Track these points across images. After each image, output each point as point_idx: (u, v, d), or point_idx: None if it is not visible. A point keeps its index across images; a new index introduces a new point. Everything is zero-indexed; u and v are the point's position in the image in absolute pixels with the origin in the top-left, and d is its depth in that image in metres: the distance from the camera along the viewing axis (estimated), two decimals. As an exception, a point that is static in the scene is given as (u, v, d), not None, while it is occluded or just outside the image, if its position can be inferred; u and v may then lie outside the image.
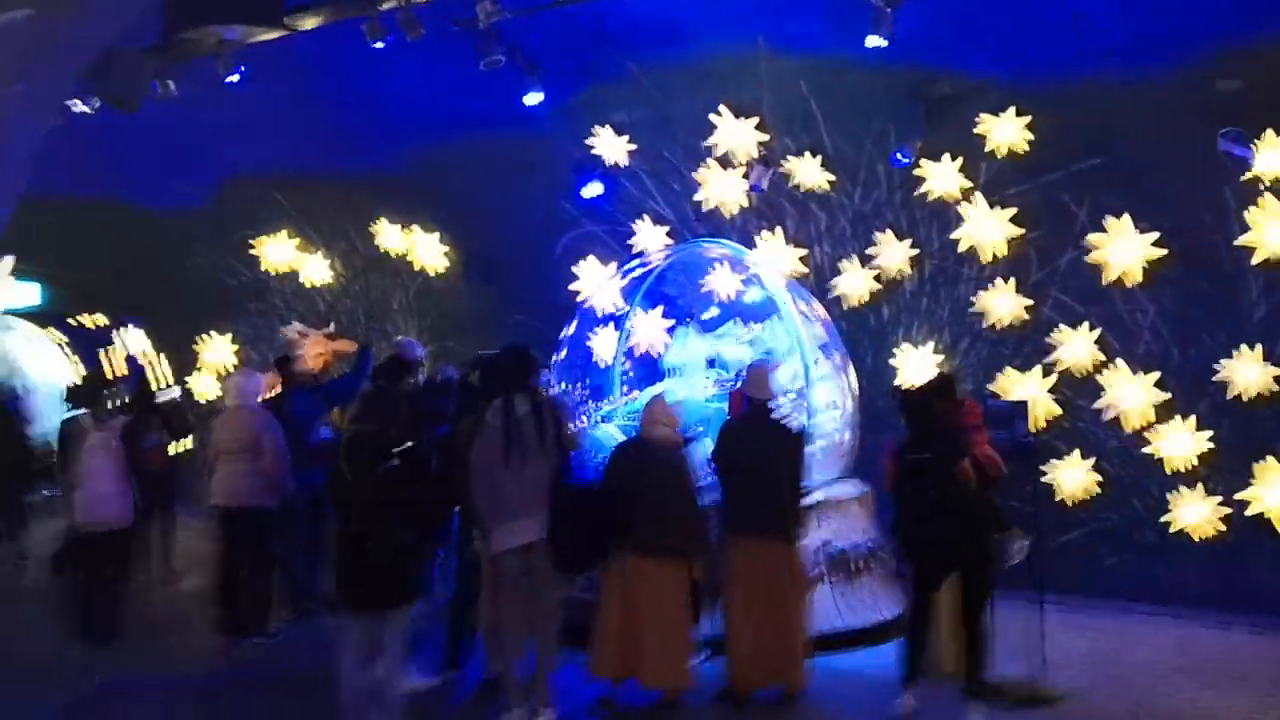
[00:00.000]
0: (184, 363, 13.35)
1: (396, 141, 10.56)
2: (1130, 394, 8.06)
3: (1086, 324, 8.25)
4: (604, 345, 9.23)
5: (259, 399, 7.52)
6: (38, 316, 14.77)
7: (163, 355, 13.74)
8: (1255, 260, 7.55)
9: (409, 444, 5.26)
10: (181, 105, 10.73)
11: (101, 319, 14.63)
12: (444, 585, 6.65)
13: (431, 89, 10.04)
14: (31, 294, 14.01)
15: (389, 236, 11.66)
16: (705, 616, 6.18)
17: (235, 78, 9.97)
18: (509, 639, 5.74)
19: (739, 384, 7.23)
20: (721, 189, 9.64)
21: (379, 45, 8.97)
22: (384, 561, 5.20)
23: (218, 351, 13.01)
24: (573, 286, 10.17)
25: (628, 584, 5.86)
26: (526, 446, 5.58)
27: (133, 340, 14.10)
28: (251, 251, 12.28)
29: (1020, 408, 6.75)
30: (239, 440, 7.13)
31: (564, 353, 8.66)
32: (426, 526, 5.50)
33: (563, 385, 8.32)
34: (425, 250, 11.51)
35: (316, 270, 12.21)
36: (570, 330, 8.81)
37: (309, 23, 9.82)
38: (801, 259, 9.48)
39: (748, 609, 6.07)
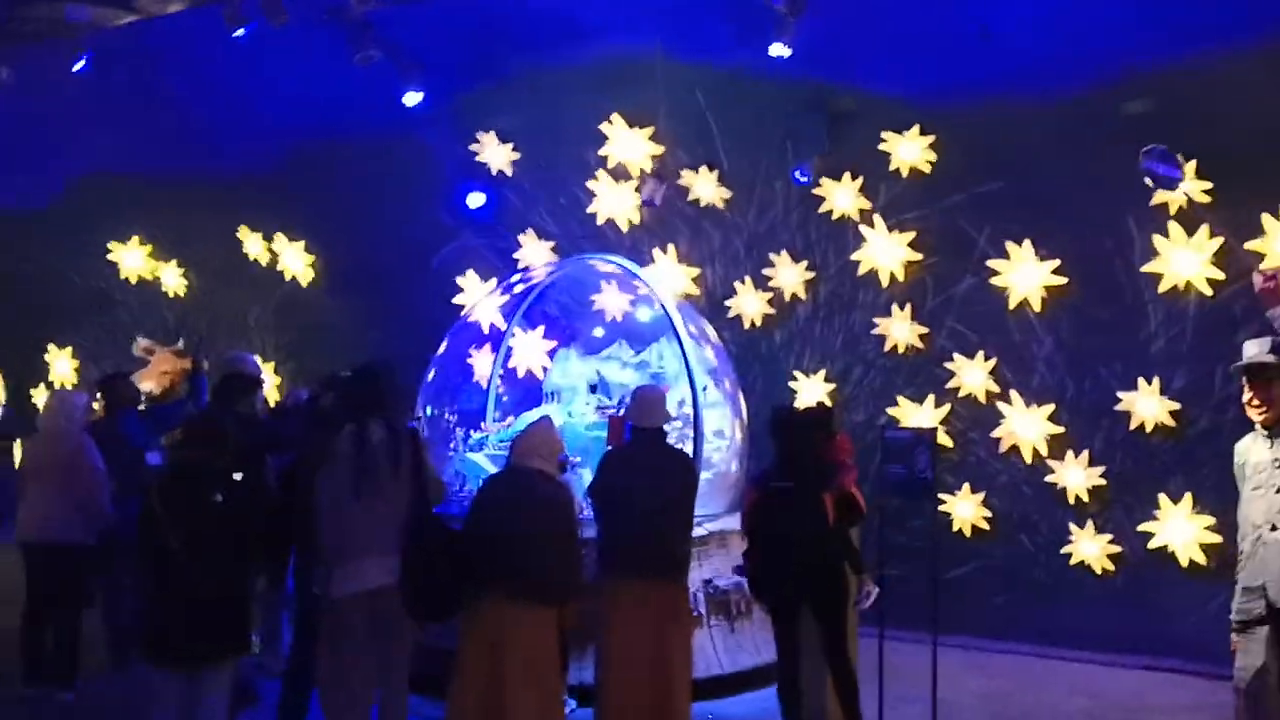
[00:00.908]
0: (20, 376, 12.22)
1: (260, 141, 9.87)
2: (1024, 426, 7.83)
3: (982, 353, 7.99)
4: (482, 366, 8.59)
5: (81, 420, 6.64)
6: None
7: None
8: (1161, 289, 7.35)
9: (236, 475, 4.55)
10: (23, 96, 9.94)
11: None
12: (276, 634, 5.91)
13: (300, 85, 9.42)
14: None
15: (249, 244, 10.83)
16: (574, 663, 5.62)
17: (81, 64, 9.26)
18: (352, 694, 5.03)
19: (621, 410, 6.69)
20: (612, 203, 9.16)
21: (239, 33, 8.31)
22: (202, 608, 4.49)
23: (57, 366, 11.95)
24: (453, 301, 9.54)
25: (491, 631, 5.20)
26: (379, 477, 4.93)
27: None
28: (99, 258, 11.33)
29: (922, 439, 6.37)
30: (51, 464, 6.27)
31: (433, 374, 7.97)
32: (258, 566, 4.80)
33: (429, 410, 7.63)
34: (289, 260, 10.71)
35: (169, 279, 11.31)
36: (441, 350, 8.12)
37: (166, 6, 9.12)
38: (694, 279, 9.05)
39: (626, 656, 5.48)
